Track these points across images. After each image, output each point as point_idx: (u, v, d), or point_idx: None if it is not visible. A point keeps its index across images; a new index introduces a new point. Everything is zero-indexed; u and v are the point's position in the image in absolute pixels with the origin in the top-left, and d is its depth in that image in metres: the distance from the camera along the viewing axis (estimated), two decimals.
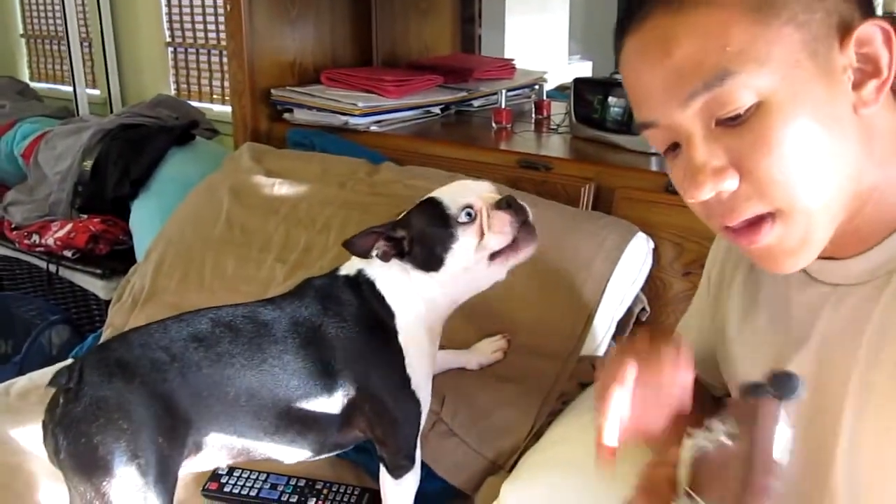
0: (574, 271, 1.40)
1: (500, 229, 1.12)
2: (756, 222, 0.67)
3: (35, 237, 2.50)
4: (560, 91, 2.33)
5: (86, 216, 2.51)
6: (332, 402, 1.15)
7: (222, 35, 3.09)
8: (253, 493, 1.30)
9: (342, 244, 1.17)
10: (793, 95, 0.63)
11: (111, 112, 3.22)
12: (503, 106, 1.97)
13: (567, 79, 2.32)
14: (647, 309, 1.48)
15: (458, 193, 1.16)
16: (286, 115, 2.05)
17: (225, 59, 3.03)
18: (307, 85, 2.08)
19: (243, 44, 1.98)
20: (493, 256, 1.14)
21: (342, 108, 1.93)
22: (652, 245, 1.46)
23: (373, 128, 1.93)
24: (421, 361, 1.18)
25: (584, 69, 3.16)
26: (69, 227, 2.45)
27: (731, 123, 0.65)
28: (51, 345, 2.34)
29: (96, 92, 3.62)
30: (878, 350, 0.68)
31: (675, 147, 0.70)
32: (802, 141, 0.63)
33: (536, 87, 2.21)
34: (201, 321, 1.15)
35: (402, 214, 1.19)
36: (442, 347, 1.26)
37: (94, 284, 2.41)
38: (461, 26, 2.54)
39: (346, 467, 1.37)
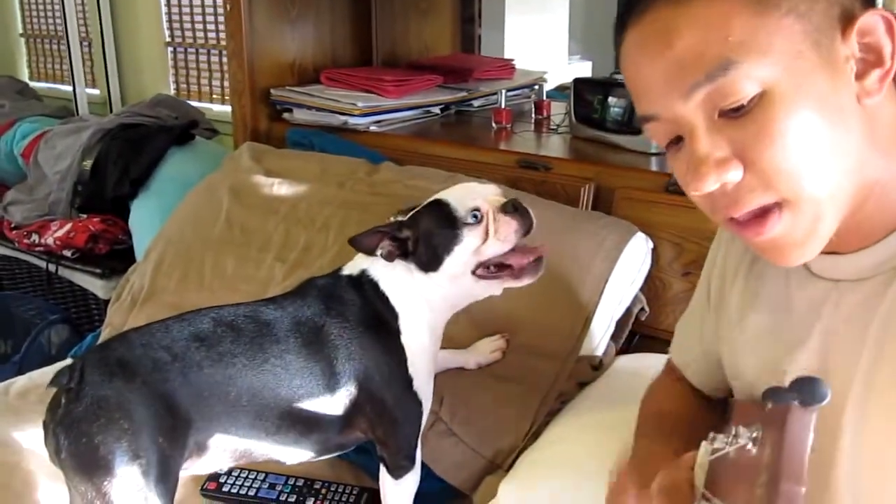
0: (573, 271, 1.40)
1: (505, 236, 1.13)
2: (762, 213, 0.66)
3: (34, 237, 2.49)
4: (560, 91, 2.33)
5: (85, 216, 2.51)
6: (334, 402, 1.15)
7: (222, 35, 3.08)
8: (251, 493, 1.30)
9: (348, 241, 1.17)
10: (796, 86, 0.63)
11: (111, 112, 3.21)
12: (503, 106, 1.97)
13: (567, 79, 2.32)
14: (646, 309, 1.48)
15: (466, 196, 1.17)
16: (286, 115, 2.05)
17: (224, 59, 3.03)
18: (307, 85, 2.08)
19: (243, 43, 1.98)
20: (495, 275, 1.15)
21: (342, 107, 1.93)
22: (651, 245, 1.47)
23: (372, 128, 1.93)
24: (423, 362, 1.18)
25: (584, 69, 3.16)
26: (69, 226, 2.45)
27: (734, 114, 0.64)
28: (50, 344, 2.34)
29: (96, 91, 3.62)
30: (882, 347, 0.68)
31: (677, 140, 0.70)
32: (806, 131, 0.63)
33: (536, 87, 2.22)
34: (203, 321, 1.15)
35: (409, 215, 1.19)
36: (441, 347, 1.26)
37: (93, 284, 2.41)
38: (461, 26, 2.54)
39: (345, 467, 1.37)
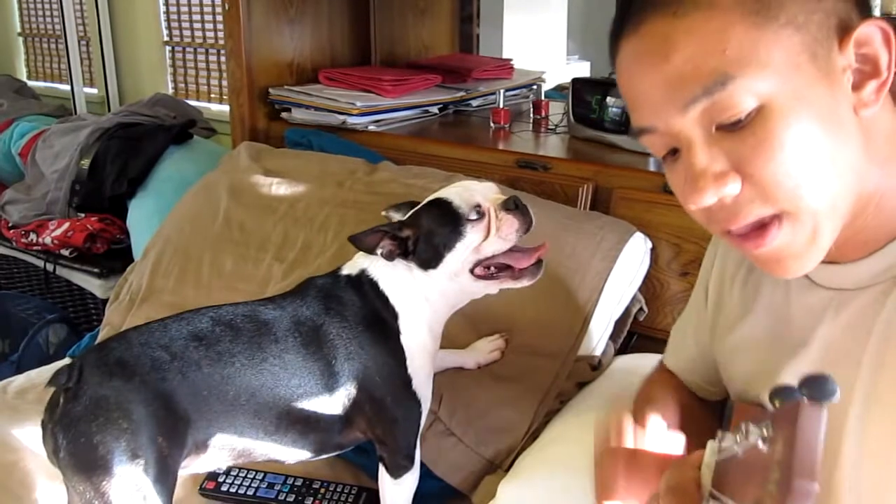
0: (572, 271, 1.40)
1: (506, 234, 1.13)
2: (761, 226, 0.66)
3: (32, 236, 2.49)
4: (558, 91, 2.34)
5: (83, 215, 2.51)
6: (333, 402, 1.15)
7: (220, 34, 3.08)
8: (250, 493, 1.30)
9: (348, 238, 1.17)
10: (794, 98, 0.62)
11: (109, 111, 3.22)
12: (501, 106, 1.97)
13: (565, 79, 2.33)
14: (645, 309, 1.48)
15: (467, 193, 1.17)
16: (284, 115, 2.05)
17: (223, 59, 3.03)
18: (305, 84, 2.08)
19: (241, 43, 1.98)
20: (493, 275, 1.15)
21: (340, 107, 1.93)
22: (650, 245, 1.47)
23: (371, 127, 1.93)
24: (423, 362, 1.18)
25: (583, 69, 3.16)
26: (66, 225, 2.44)
27: (732, 128, 0.64)
28: (48, 343, 2.33)
29: (94, 91, 3.62)
30: (883, 356, 0.68)
31: (673, 152, 0.69)
32: (805, 143, 0.63)
33: (534, 86, 2.22)
34: (202, 320, 1.15)
35: (408, 215, 1.19)
36: (440, 347, 1.26)
37: (91, 283, 2.41)
38: (459, 26, 2.54)
39: (344, 467, 1.37)
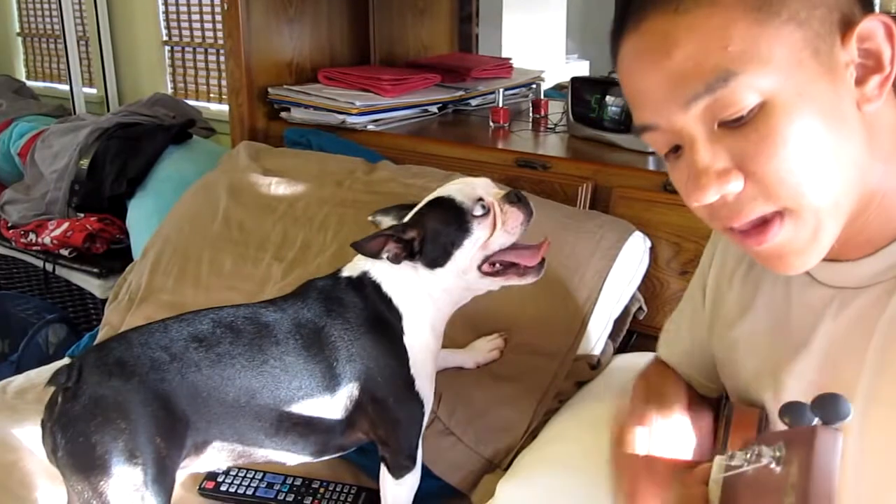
0: (571, 270, 1.40)
1: (512, 227, 1.13)
2: (763, 222, 0.66)
3: (32, 236, 2.49)
4: (557, 90, 2.34)
5: (82, 215, 2.51)
6: (334, 404, 1.15)
7: (219, 34, 3.08)
8: (249, 493, 1.30)
9: (351, 245, 1.16)
10: (797, 94, 0.62)
11: (108, 111, 3.22)
12: (500, 105, 1.97)
13: (564, 78, 2.33)
14: (644, 308, 1.48)
15: (468, 189, 1.16)
16: (283, 114, 2.05)
17: (222, 58, 3.03)
18: (304, 84, 2.07)
19: (241, 42, 1.98)
20: (500, 272, 1.15)
21: (339, 106, 1.93)
22: (649, 244, 1.47)
23: (370, 126, 1.93)
24: (425, 362, 1.18)
25: (582, 68, 3.16)
26: (66, 225, 2.44)
27: (734, 125, 0.64)
28: (47, 343, 2.33)
29: (93, 90, 3.61)
30: (884, 355, 0.68)
31: (675, 149, 0.69)
32: (808, 139, 0.62)
33: (534, 86, 2.22)
34: (202, 321, 1.14)
35: (410, 215, 1.19)
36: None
37: (90, 283, 2.41)
38: (458, 25, 2.54)
39: (344, 466, 1.37)
